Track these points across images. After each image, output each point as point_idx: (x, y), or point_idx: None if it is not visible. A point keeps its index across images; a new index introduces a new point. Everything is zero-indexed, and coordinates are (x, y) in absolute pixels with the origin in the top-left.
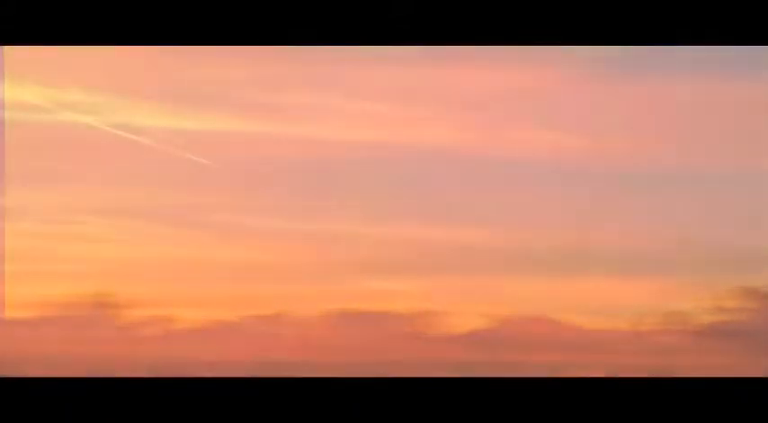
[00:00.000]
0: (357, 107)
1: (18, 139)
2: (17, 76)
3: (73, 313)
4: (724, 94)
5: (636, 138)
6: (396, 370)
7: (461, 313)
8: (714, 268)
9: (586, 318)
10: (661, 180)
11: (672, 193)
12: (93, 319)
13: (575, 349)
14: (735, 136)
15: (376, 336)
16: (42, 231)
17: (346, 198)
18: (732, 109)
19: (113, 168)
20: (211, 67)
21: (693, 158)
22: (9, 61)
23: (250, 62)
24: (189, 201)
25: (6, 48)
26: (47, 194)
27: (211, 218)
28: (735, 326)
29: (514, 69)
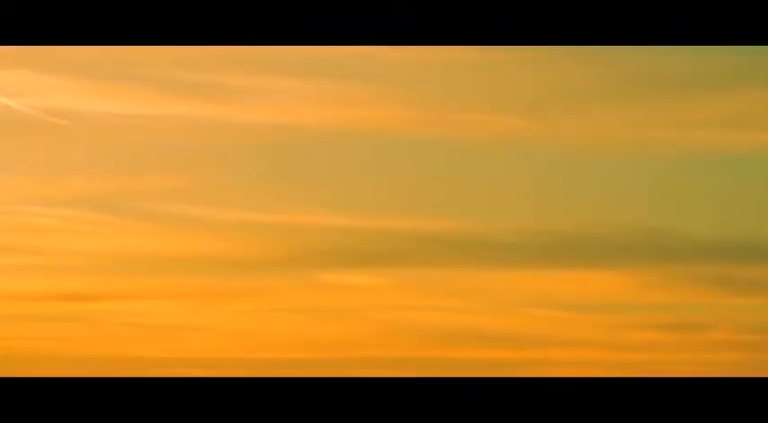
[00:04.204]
0: (298, 87)
1: None
2: None
3: (34, 308)
4: (679, 74)
5: (587, 119)
6: (369, 368)
7: (419, 307)
8: (678, 258)
9: (551, 312)
10: (617, 163)
11: (629, 177)
12: (54, 314)
13: (548, 346)
14: (695, 118)
15: (341, 331)
16: None
17: (298, 184)
18: (689, 90)
19: (42, 154)
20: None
21: (651, 140)
22: None
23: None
24: (129, 189)
25: None
26: None
27: (156, 206)
28: (709, 320)
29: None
